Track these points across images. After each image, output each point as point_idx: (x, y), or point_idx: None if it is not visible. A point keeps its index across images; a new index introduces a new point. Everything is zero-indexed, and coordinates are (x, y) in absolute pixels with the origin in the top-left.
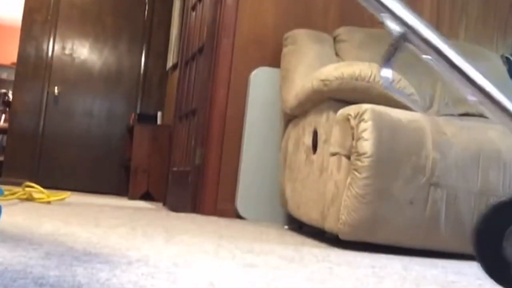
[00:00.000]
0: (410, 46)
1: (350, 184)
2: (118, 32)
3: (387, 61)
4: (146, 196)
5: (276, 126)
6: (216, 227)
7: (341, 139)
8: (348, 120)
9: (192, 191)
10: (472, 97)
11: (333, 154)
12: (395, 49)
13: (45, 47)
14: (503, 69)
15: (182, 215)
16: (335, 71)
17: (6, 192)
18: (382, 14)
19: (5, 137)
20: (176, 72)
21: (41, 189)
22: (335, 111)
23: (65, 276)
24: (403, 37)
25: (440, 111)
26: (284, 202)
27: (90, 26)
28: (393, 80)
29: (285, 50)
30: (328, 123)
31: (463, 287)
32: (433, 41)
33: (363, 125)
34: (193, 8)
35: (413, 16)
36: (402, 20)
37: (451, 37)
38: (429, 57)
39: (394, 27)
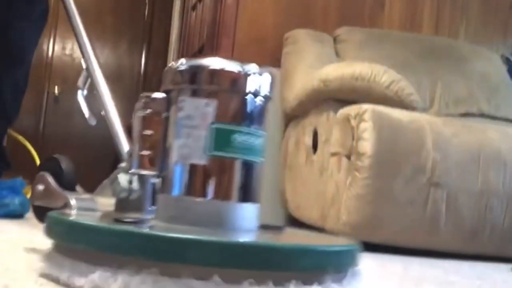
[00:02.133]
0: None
1: (350, 184)
2: (118, 32)
3: (82, 85)
4: None
5: (276, 126)
6: None
7: (341, 139)
8: (348, 120)
9: None
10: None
11: (333, 154)
12: (86, 77)
13: (45, 47)
14: (503, 69)
15: None
16: (335, 71)
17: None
18: None
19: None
20: None
21: None
22: (335, 111)
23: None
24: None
25: (441, 111)
26: (284, 202)
27: (90, 26)
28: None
29: (285, 50)
30: (328, 123)
31: (463, 287)
32: (96, 77)
33: (363, 125)
34: (193, 8)
35: (91, 58)
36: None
37: (451, 37)
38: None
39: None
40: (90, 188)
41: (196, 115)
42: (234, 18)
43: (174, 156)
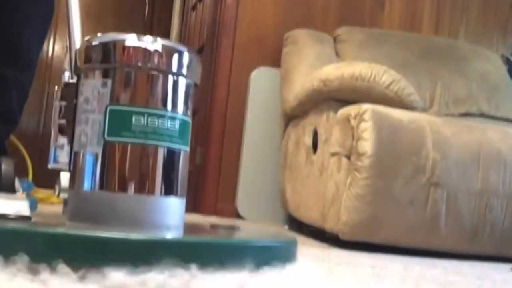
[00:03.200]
0: None
1: (350, 184)
2: (118, 32)
3: (69, 67)
4: None
5: (276, 126)
6: None
7: (341, 139)
8: (348, 120)
9: (192, 191)
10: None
11: (333, 154)
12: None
13: (45, 47)
14: (503, 69)
15: None
16: (335, 71)
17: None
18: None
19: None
20: None
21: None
22: (335, 111)
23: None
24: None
25: (441, 111)
26: (284, 202)
27: (91, 26)
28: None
29: (285, 50)
30: (328, 123)
31: (463, 287)
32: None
33: (363, 125)
34: (193, 8)
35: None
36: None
37: (451, 37)
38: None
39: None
40: None
41: (93, 98)
42: (234, 18)
43: (75, 145)
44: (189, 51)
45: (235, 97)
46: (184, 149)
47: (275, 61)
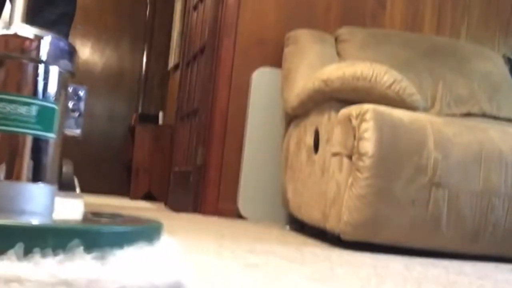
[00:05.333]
0: None
1: (351, 184)
2: (119, 32)
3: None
4: (148, 196)
5: (277, 126)
6: (217, 227)
7: (343, 139)
8: (350, 120)
9: (193, 191)
10: None
11: (335, 154)
12: None
13: None
14: (505, 69)
15: (183, 215)
16: (336, 71)
17: None
18: None
19: None
20: (178, 72)
21: None
22: (337, 111)
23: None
24: None
25: (442, 111)
26: (285, 202)
27: (92, 26)
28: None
29: (286, 50)
30: (330, 123)
31: (465, 287)
32: None
33: (364, 125)
34: (195, 8)
35: None
36: None
37: (453, 37)
38: None
39: None
40: (92, 189)
41: None
42: (236, 18)
43: None
44: (49, 36)
45: (236, 97)
46: (44, 135)
47: (277, 61)
